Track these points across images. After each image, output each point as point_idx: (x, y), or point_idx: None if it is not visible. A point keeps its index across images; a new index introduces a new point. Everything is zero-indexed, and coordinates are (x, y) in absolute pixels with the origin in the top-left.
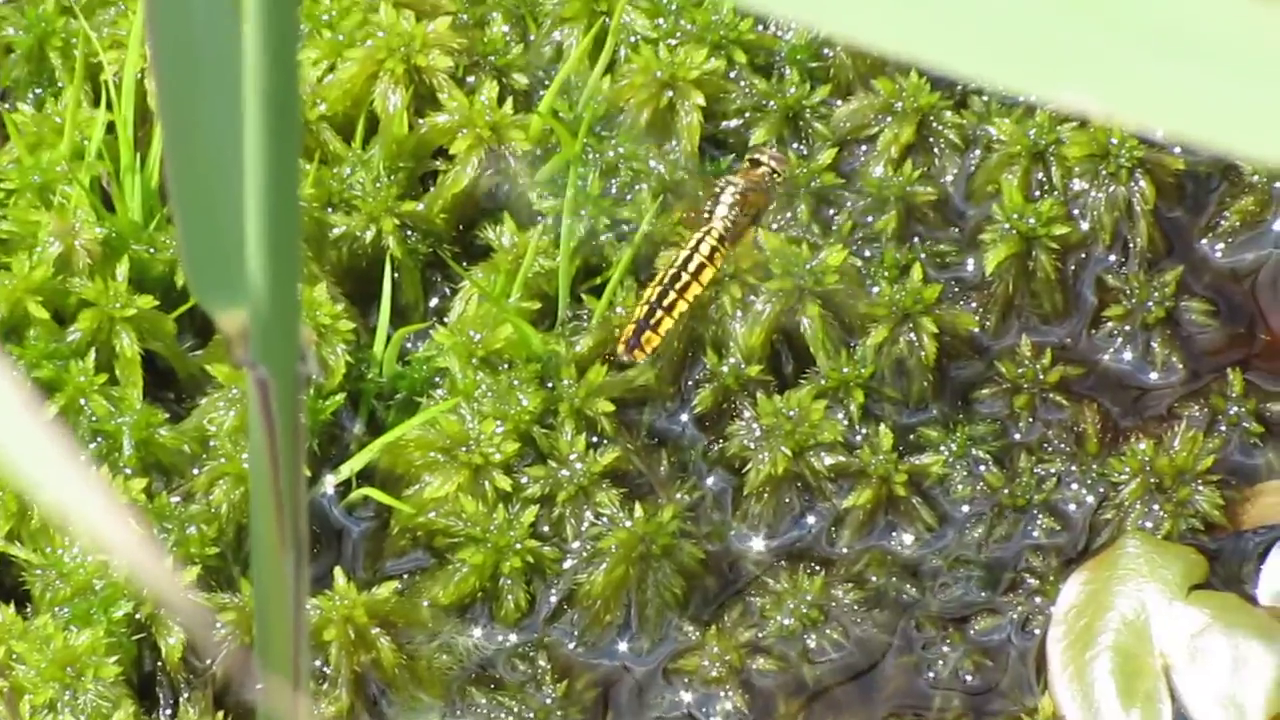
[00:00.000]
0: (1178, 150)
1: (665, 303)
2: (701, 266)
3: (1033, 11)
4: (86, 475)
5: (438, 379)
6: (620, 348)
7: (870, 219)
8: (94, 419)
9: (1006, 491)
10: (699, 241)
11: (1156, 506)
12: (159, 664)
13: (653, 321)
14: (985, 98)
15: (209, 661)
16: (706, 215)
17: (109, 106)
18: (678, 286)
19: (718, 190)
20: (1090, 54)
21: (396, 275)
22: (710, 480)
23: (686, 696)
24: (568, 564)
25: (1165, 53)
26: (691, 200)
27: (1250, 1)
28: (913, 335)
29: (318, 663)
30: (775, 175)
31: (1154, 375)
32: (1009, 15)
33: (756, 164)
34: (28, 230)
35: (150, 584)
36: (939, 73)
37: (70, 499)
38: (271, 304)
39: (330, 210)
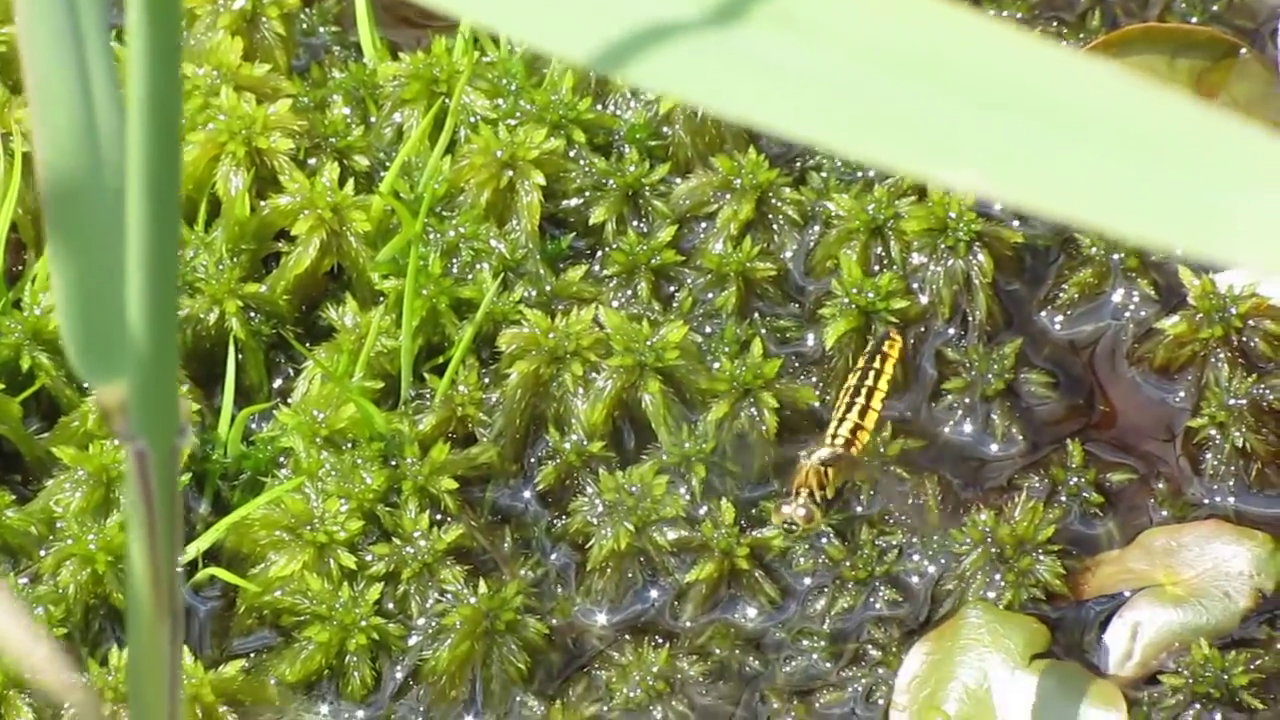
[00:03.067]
0: (1016, 224)
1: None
2: (865, 410)
3: (902, 89)
4: None
5: (282, 459)
6: (830, 447)
7: (710, 295)
8: None
9: (848, 564)
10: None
11: (998, 576)
12: None
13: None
14: (824, 174)
15: None
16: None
17: None
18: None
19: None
20: (957, 128)
21: (240, 356)
22: (554, 556)
23: None
24: (413, 640)
25: (1013, 120)
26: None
27: (1118, 76)
28: (753, 410)
29: None
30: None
31: (994, 447)
32: (885, 93)
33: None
34: None
35: (23, 657)
36: (815, 147)
37: None
38: (151, 377)
39: None
